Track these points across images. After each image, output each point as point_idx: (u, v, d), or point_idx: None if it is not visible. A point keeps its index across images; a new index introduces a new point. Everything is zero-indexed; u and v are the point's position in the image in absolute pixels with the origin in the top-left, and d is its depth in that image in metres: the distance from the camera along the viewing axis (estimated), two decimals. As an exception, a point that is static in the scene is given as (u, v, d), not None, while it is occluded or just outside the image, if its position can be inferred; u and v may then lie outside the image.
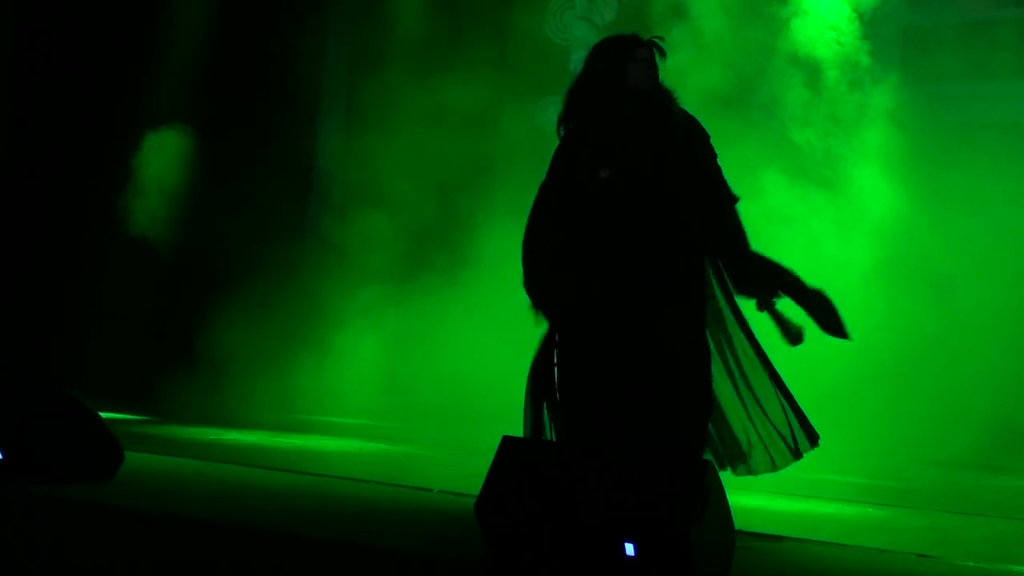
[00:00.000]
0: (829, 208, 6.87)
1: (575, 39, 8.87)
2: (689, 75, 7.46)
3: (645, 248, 3.55)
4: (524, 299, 3.62)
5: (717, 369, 3.62)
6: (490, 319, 6.46)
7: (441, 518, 3.75)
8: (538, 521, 2.86)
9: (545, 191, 3.73)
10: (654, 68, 3.70)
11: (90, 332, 9.14)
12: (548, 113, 8.21)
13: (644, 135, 3.65)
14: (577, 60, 8.74)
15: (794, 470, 3.75)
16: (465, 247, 7.15)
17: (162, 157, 8.28)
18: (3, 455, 3.76)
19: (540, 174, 7.36)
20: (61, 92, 9.40)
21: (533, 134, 7.69)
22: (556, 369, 3.55)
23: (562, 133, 3.79)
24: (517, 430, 3.36)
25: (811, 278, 3.64)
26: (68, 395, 3.92)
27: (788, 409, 3.62)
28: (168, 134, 8.36)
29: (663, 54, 3.72)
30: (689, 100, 7.09)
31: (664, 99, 3.68)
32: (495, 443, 3.06)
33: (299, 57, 8.18)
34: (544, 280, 3.59)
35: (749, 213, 3.80)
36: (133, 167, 8.42)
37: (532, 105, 8.08)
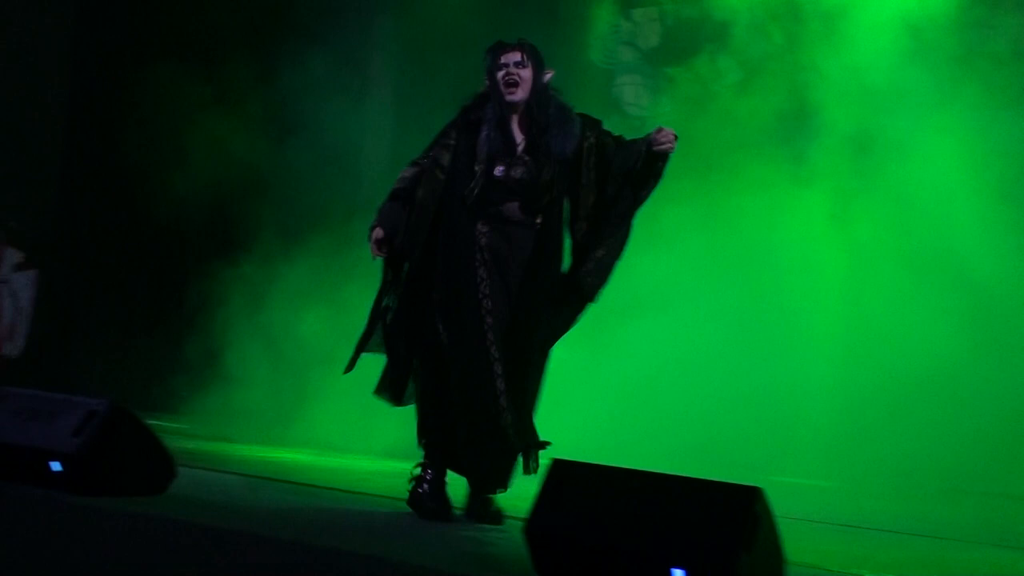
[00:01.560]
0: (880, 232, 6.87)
1: (620, 64, 8.91)
2: (735, 99, 7.50)
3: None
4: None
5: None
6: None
7: (488, 540, 3.78)
8: (587, 545, 2.89)
9: (429, 148, 4.26)
10: (529, 71, 4.11)
11: (129, 341, 9.29)
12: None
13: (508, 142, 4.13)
14: (620, 84, 8.82)
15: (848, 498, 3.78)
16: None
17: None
18: (61, 467, 3.84)
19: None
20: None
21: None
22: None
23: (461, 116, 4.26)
24: (558, 452, 3.39)
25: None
26: (123, 408, 4.00)
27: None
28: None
29: (531, 53, 4.13)
30: (737, 122, 7.13)
31: (536, 102, 4.11)
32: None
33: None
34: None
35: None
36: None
37: None
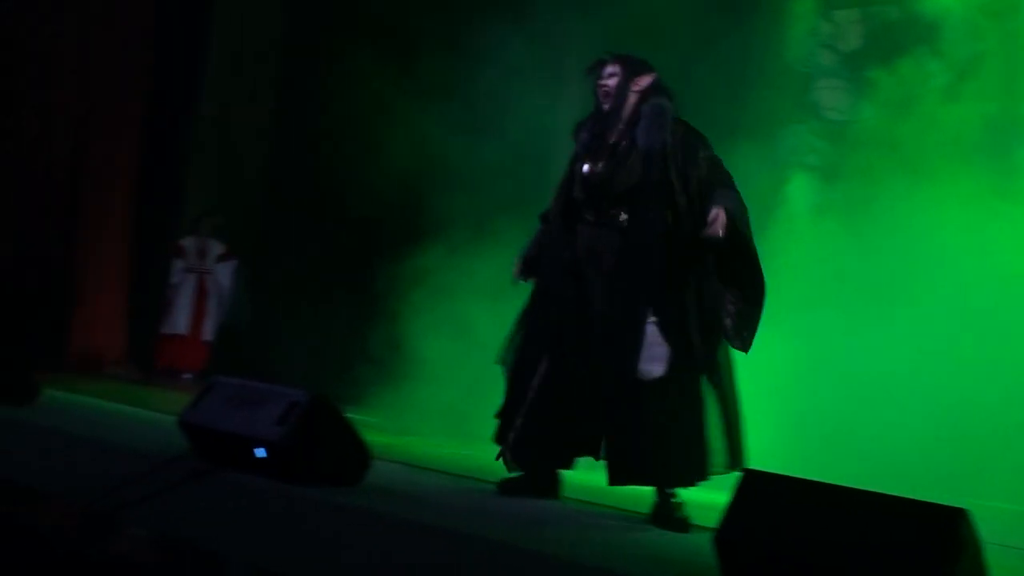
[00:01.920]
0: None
1: (818, 67, 8.70)
2: (942, 104, 7.21)
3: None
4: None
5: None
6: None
7: (675, 549, 3.76)
8: (780, 559, 2.84)
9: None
10: (615, 80, 4.37)
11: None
12: (787, 142, 8.07)
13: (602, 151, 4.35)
14: (819, 88, 8.60)
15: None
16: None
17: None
18: (264, 455, 4.01)
19: (775, 204, 7.22)
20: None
21: (772, 164, 7.55)
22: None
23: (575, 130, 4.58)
24: (760, 463, 3.34)
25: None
26: (323, 399, 4.14)
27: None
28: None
29: (623, 63, 4.38)
30: (943, 128, 6.86)
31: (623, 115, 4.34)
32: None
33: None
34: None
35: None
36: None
37: (771, 134, 7.92)
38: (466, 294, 7.85)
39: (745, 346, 4.12)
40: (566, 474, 4.58)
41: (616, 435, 4.18)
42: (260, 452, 4.03)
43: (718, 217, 3.99)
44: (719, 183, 4.15)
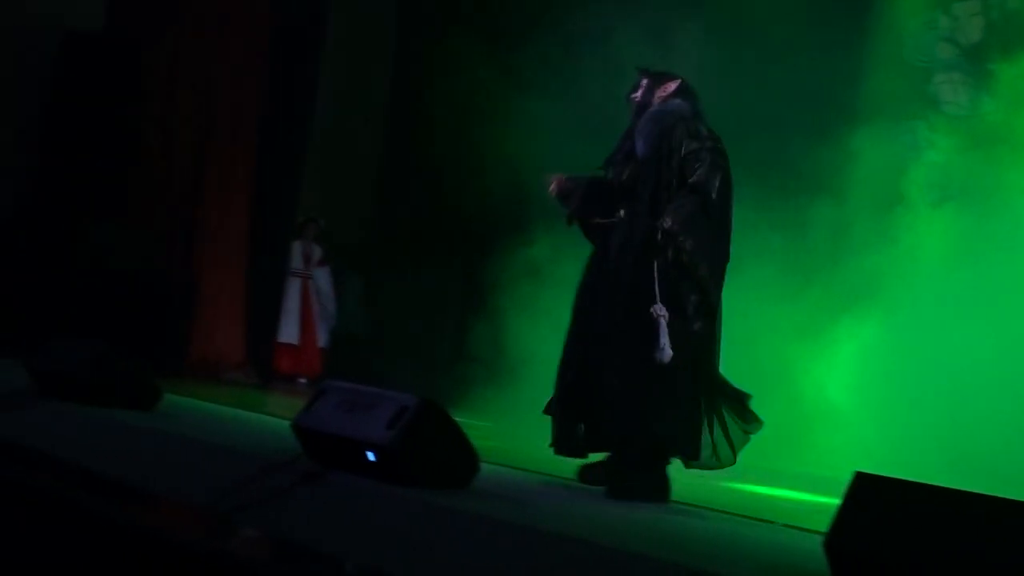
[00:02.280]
0: None
1: (938, 61, 8.47)
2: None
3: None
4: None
5: None
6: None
7: (784, 553, 3.70)
8: (892, 564, 2.77)
9: None
10: (641, 91, 4.72)
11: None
12: (905, 136, 7.87)
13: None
14: (939, 83, 8.38)
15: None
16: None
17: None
18: (374, 458, 4.07)
19: (893, 197, 7.01)
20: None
21: (890, 155, 7.37)
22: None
23: None
24: (862, 464, 3.26)
25: None
26: (432, 404, 4.18)
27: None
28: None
29: (650, 75, 4.74)
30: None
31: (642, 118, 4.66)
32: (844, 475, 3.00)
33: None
34: None
35: None
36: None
37: (889, 126, 7.72)
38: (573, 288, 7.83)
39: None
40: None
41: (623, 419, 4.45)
42: (371, 455, 4.09)
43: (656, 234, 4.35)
44: (689, 188, 4.43)
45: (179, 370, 9.27)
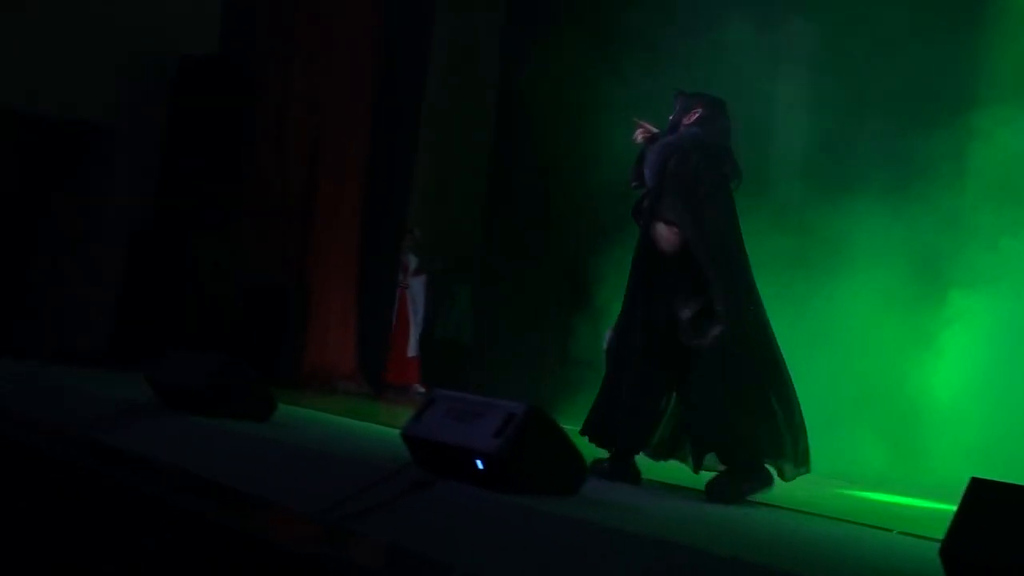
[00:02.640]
0: None
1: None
2: None
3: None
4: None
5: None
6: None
7: (900, 561, 3.63)
8: (1009, 572, 2.70)
9: None
10: (673, 115, 5.09)
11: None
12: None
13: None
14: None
15: None
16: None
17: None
18: (483, 466, 4.10)
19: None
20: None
21: (1008, 167, 7.08)
22: None
23: None
24: (980, 471, 3.18)
25: None
26: (539, 412, 4.20)
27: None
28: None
29: (680, 96, 5.11)
30: None
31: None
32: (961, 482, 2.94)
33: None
34: None
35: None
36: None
37: (1006, 138, 7.38)
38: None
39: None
40: None
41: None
42: (480, 463, 4.12)
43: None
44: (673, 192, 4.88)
45: (293, 381, 9.46)
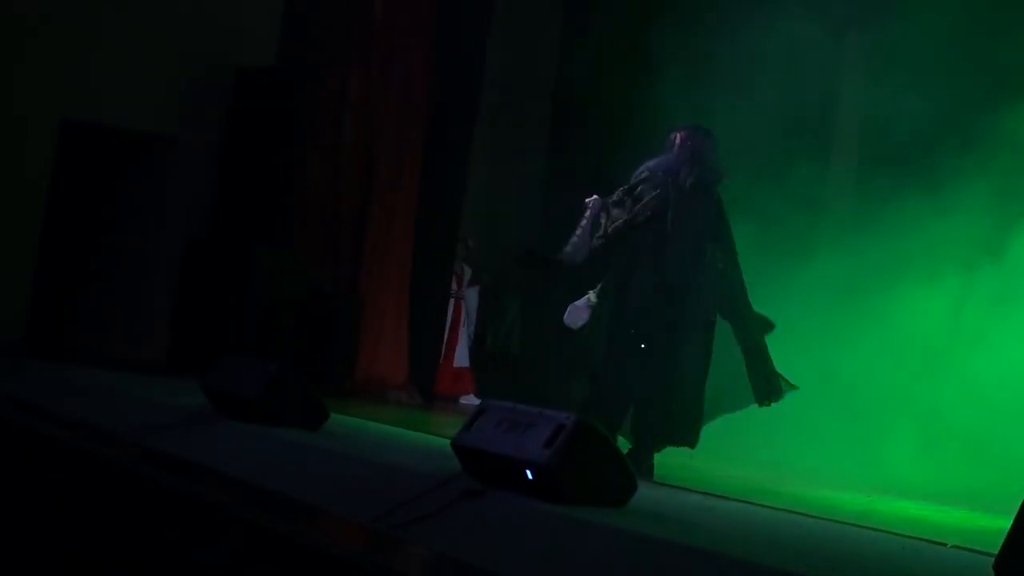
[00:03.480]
0: None
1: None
2: None
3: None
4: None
5: None
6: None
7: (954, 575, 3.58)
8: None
9: None
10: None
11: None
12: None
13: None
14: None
15: None
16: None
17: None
18: (532, 477, 4.10)
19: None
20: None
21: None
22: None
23: None
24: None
25: None
26: (589, 423, 4.19)
27: None
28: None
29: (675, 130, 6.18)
30: None
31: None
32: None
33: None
34: None
35: None
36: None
37: None
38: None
39: None
40: None
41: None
42: (530, 474, 4.13)
43: None
44: None
45: (345, 390, 9.52)
